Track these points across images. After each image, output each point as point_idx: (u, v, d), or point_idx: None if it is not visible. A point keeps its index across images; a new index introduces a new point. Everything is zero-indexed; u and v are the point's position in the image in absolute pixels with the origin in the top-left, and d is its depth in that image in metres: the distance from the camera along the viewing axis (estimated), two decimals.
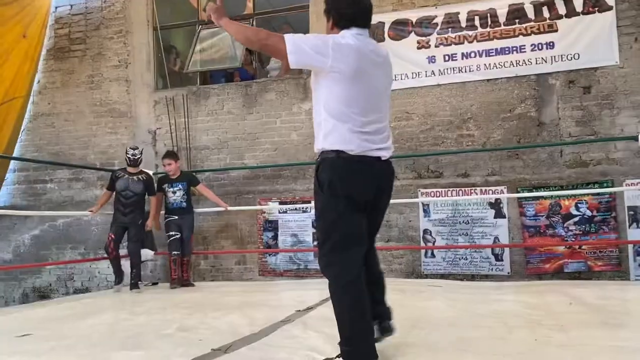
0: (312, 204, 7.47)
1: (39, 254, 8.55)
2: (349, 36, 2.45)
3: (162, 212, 6.54)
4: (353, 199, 2.38)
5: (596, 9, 6.74)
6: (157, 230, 6.57)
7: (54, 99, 8.84)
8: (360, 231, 2.42)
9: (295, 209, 7.58)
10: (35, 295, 8.54)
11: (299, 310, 4.03)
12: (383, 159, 2.46)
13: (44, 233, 8.59)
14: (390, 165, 2.55)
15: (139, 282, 6.23)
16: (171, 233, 6.32)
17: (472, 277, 6.83)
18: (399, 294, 4.98)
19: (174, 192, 6.29)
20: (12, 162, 8.75)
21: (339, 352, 2.40)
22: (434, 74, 7.28)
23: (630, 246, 6.41)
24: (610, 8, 6.68)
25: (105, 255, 6.21)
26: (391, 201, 7.21)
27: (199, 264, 7.99)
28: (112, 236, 5.94)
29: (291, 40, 2.33)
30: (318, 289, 5.64)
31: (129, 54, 8.53)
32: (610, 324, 3.22)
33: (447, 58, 7.23)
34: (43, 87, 8.90)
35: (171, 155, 6.51)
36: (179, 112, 8.25)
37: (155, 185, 6.44)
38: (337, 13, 2.52)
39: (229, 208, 6.95)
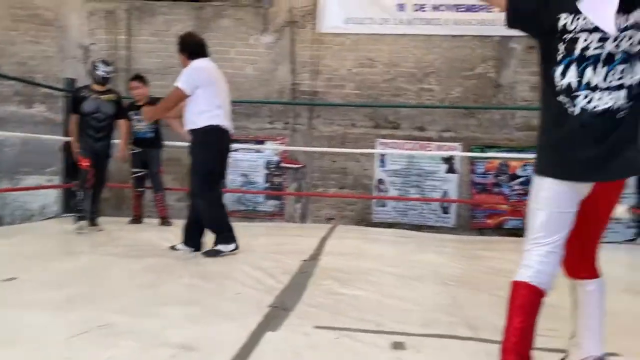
0: (266, 145, 7.21)
1: None
2: (203, 62, 4.10)
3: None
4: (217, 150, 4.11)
5: None
6: (123, 162, 5.87)
7: None
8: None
9: (247, 148, 7.22)
10: None
11: (306, 260, 3.87)
12: (230, 130, 4.15)
13: None
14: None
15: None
16: (134, 170, 5.74)
17: (419, 228, 7.04)
18: (384, 244, 5.00)
19: (140, 121, 5.58)
20: None
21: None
22: (402, 22, 7.13)
23: None
24: None
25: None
26: (349, 150, 7.08)
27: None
28: (89, 166, 5.07)
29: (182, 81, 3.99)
30: (289, 234, 5.50)
31: None
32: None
33: (416, 8, 7.10)
34: None
35: (140, 77, 5.75)
36: (118, 29, 7.33)
37: None
38: (189, 51, 4.13)
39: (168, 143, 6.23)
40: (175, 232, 4.86)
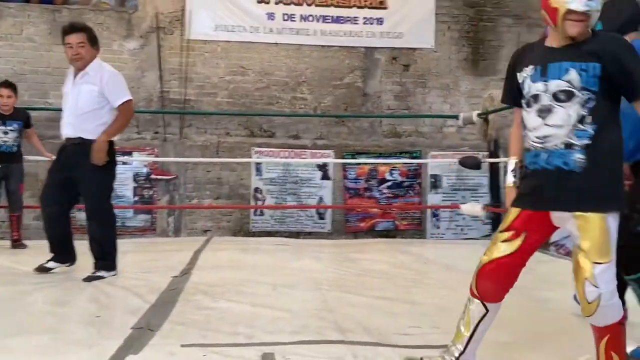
0: (134, 156, 6.85)
1: None
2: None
3: None
4: None
5: None
6: None
7: None
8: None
9: None
10: None
11: (176, 276, 3.71)
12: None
13: None
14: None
15: None
16: None
17: (297, 235, 7.11)
18: (261, 253, 4.96)
19: (5, 133, 4.98)
20: None
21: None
22: (272, 31, 7.17)
23: (429, 209, 7.43)
24: None
25: None
26: (224, 159, 6.99)
27: None
28: None
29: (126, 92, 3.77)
30: (160, 250, 5.26)
31: None
32: None
33: (285, 17, 7.18)
34: None
35: (11, 85, 5.16)
36: None
37: None
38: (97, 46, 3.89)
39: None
40: (30, 254, 4.44)
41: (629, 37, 2.46)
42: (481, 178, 7.20)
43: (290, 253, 4.96)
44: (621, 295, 2.34)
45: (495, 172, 6.47)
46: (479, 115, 6.18)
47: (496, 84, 7.42)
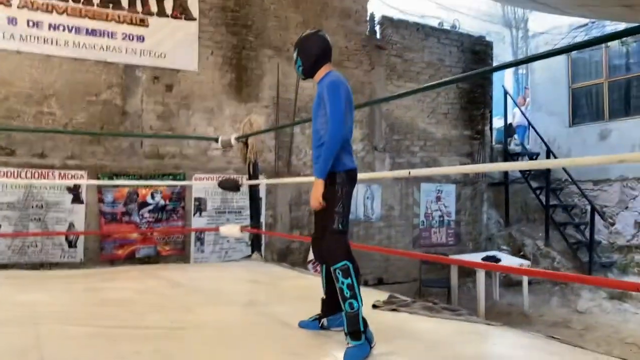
0: None
1: None
2: None
3: None
4: None
5: (183, 16, 7.37)
6: None
7: None
8: None
9: None
10: None
11: None
12: None
13: None
14: None
15: None
16: None
17: (42, 266, 6.34)
18: None
19: None
20: None
21: None
22: (13, 38, 6.40)
23: (193, 233, 7.31)
24: (194, 19, 7.44)
25: None
26: None
27: None
28: None
29: None
30: None
31: None
32: (221, 302, 3.74)
33: (31, 24, 6.49)
34: None
35: None
36: None
37: None
38: None
39: None
40: None
41: (324, 70, 2.75)
42: (245, 200, 7.35)
43: (18, 287, 4.33)
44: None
45: (254, 194, 6.65)
46: (237, 139, 6.31)
47: (258, 110, 7.75)
